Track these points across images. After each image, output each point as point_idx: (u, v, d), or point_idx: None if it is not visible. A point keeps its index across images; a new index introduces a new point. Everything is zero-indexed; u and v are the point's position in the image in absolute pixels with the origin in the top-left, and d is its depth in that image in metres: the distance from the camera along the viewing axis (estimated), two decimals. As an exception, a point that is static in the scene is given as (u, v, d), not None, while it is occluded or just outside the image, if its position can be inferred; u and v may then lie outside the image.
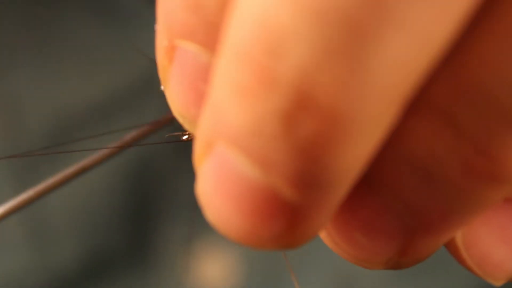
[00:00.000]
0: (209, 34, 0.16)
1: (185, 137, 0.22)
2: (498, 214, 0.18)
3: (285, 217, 0.14)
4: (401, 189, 0.15)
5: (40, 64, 0.47)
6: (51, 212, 0.47)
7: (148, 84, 0.44)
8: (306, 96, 0.13)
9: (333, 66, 0.12)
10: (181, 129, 0.21)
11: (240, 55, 0.13)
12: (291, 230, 0.14)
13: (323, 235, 0.17)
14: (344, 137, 0.13)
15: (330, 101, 0.12)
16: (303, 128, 0.13)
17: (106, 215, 0.48)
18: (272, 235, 0.14)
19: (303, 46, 0.12)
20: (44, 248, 0.47)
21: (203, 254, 0.49)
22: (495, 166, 0.15)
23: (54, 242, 0.47)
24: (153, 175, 0.48)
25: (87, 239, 0.47)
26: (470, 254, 0.18)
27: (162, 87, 0.18)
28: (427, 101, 0.14)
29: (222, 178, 0.14)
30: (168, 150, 0.48)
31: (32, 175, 0.47)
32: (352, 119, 0.13)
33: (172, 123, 0.17)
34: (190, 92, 0.17)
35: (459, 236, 0.18)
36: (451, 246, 0.19)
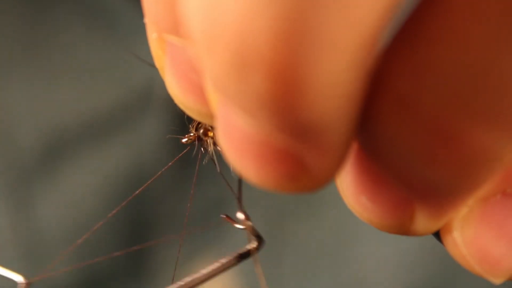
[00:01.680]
0: None
1: (184, 140, 0.23)
2: (496, 210, 0.18)
3: (291, 162, 0.15)
4: (389, 164, 0.16)
5: (33, 78, 0.47)
6: (46, 232, 0.47)
7: (146, 96, 0.44)
8: (248, 49, 0.13)
9: (271, 18, 0.12)
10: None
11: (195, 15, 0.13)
12: (301, 174, 0.15)
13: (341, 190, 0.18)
14: (302, 91, 0.13)
15: (274, 54, 0.13)
16: (257, 81, 0.13)
17: (102, 235, 0.48)
18: (286, 179, 0.15)
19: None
20: (39, 268, 0.46)
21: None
22: (456, 152, 0.15)
23: (49, 263, 0.46)
24: (151, 195, 0.48)
25: (83, 259, 0.47)
26: (470, 251, 0.18)
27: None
28: (386, 84, 0.14)
29: (229, 132, 0.15)
30: (166, 171, 0.48)
31: (25, 191, 0.47)
32: (304, 74, 0.13)
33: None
34: (184, 81, 0.17)
35: (459, 232, 0.18)
36: (450, 243, 0.19)
